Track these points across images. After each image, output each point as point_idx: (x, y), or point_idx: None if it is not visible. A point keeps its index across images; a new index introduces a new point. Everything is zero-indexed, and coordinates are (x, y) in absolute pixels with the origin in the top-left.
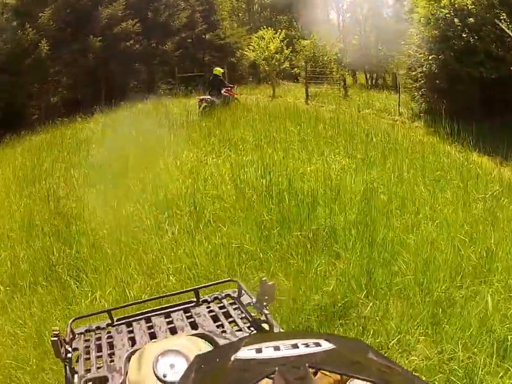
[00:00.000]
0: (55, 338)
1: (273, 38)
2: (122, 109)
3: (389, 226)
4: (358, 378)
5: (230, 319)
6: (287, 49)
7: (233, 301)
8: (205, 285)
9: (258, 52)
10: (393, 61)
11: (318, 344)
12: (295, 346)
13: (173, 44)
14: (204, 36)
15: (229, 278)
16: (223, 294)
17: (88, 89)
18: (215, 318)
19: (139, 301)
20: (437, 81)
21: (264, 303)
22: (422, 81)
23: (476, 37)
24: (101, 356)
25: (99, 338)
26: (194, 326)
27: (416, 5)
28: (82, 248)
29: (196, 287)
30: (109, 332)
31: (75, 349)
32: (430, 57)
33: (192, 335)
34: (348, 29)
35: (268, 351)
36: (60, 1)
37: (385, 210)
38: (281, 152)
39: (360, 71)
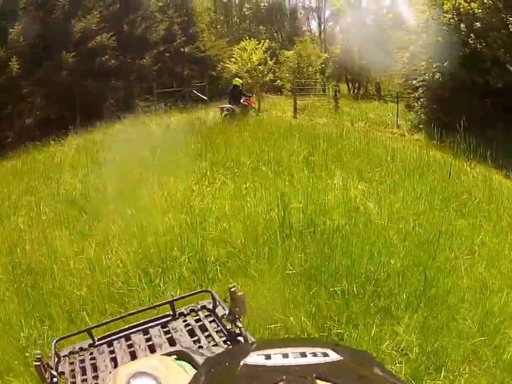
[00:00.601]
0: (38, 363)
1: (256, 49)
2: (98, 130)
3: (436, 269)
4: None
5: (206, 333)
6: (270, 60)
7: (209, 312)
8: (179, 296)
9: (240, 64)
10: (383, 70)
11: (325, 354)
12: (304, 355)
13: (150, 58)
14: (183, 49)
15: (203, 289)
16: (199, 306)
17: (62, 108)
18: (192, 333)
19: (117, 317)
20: (439, 90)
21: (236, 316)
22: (421, 91)
23: (484, 43)
24: (86, 380)
25: (83, 361)
26: (172, 342)
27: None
28: (57, 322)
29: (171, 299)
30: (91, 353)
31: (61, 373)
32: (434, 65)
33: (170, 352)
34: (329, 38)
35: (277, 357)
36: (31, 16)
37: (427, 248)
38: (286, 176)
39: (342, 81)
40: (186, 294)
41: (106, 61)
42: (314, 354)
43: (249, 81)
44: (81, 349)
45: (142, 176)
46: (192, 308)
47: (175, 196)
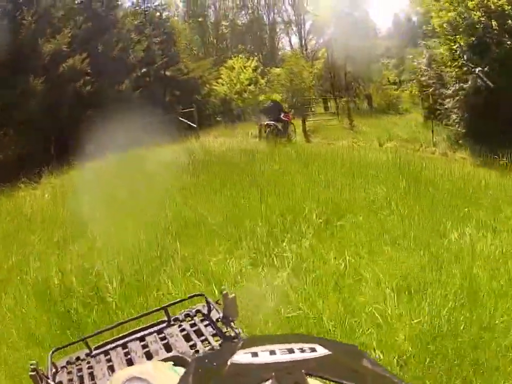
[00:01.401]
0: (34, 373)
1: (245, 67)
2: (77, 169)
3: None
4: None
5: (202, 337)
6: (262, 78)
7: (203, 317)
8: (173, 302)
9: (229, 85)
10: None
11: (313, 350)
12: (291, 351)
13: (130, 82)
14: (164, 72)
15: (196, 293)
16: (194, 311)
17: (34, 143)
18: (188, 337)
19: (112, 325)
20: (480, 99)
21: (230, 318)
22: (455, 100)
23: None
24: None
25: (80, 370)
26: (168, 348)
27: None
28: None
29: (165, 305)
30: (88, 362)
31: (59, 383)
32: (477, 70)
33: (166, 358)
34: (312, 52)
35: (264, 355)
36: None
37: None
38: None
39: (329, 96)
40: (180, 299)
41: (81, 87)
42: (302, 350)
43: (240, 104)
44: (78, 358)
45: (152, 249)
46: (187, 312)
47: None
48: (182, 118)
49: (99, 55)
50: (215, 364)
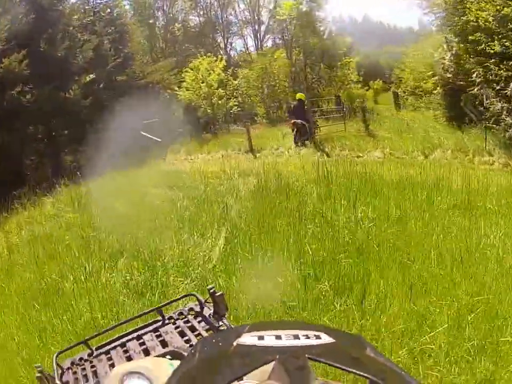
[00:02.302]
0: (40, 375)
1: (212, 68)
2: (17, 212)
3: None
4: (356, 373)
5: (196, 332)
6: (234, 79)
7: (196, 314)
8: (166, 303)
9: (194, 89)
10: None
11: (318, 337)
12: (296, 337)
13: (78, 88)
14: (115, 77)
15: (188, 293)
16: (187, 309)
17: None
18: (182, 334)
19: (111, 327)
20: None
21: (221, 313)
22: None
23: None
24: None
25: (84, 369)
26: (164, 344)
27: None
28: None
29: (158, 306)
30: (91, 362)
31: (65, 383)
32: None
33: (163, 353)
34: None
35: (270, 339)
36: None
37: None
38: None
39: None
40: (172, 300)
41: (19, 95)
42: (307, 337)
43: (208, 111)
44: (81, 359)
45: None
46: (181, 311)
47: None
48: (143, 131)
49: (41, 54)
50: (221, 344)
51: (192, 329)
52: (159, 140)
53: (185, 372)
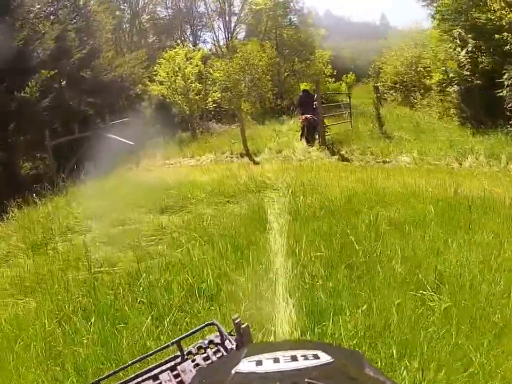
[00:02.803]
0: None
1: (190, 58)
2: None
3: None
4: None
5: None
6: (214, 72)
7: (217, 348)
8: (185, 335)
9: (169, 83)
10: None
11: (316, 357)
12: (294, 358)
13: (36, 86)
14: (80, 72)
15: (208, 322)
16: (206, 342)
17: None
18: None
19: (124, 366)
20: None
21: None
22: None
23: None
24: None
25: None
26: None
27: None
28: None
29: (177, 338)
30: None
31: None
32: None
33: None
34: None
35: (268, 363)
36: None
37: None
38: None
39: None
40: (191, 331)
41: None
42: (305, 358)
43: (185, 107)
44: None
45: None
46: (200, 344)
47: None
48: (111, 134)
49: None
50: (219, 373)
51: None
52: (131, 143)
53: None
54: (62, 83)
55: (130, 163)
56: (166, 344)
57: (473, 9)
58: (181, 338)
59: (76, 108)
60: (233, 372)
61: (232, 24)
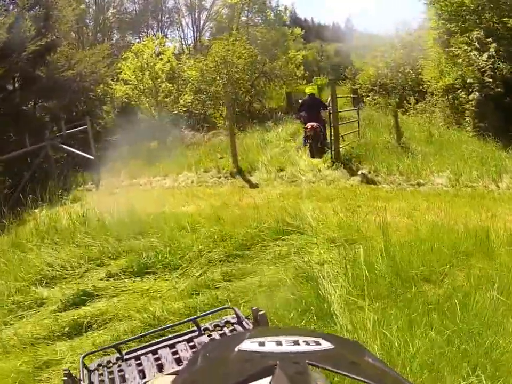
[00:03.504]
0: (66, 378)
1: (160, 54)
2: None
3: None
4: (354, 378)
5: None
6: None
7: (233, 327)
8: (203, 314)
9: (136, 82)
10: None
11: (317, 343)
12: (296, 343)
13: None
14: (34, 69)
15: (226, 306)
16: (223, 321)
17: None
18: None
19: (144, 333)
20: None
21: None
22: None
23: None
24: None
25: (111, 373)
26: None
27: None
28: None
29: (195, 317)
30: (119, 366)
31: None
32: None
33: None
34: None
35: (270, 345)
36: None
37: None
38: None
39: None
40: (210, 311)
41: None
42: (307, 343)
43: (153, 111)
44: (109, 362)
45: None
46: (217, 323)
47: None
48: (67, 145)
49: None
50: (223, 350)
51: None
52: (90, 157)
53: (187, 378)
54: (13, 82)
55: (89, 182)
56: (184, 320)
57: (492, 11)
58: (199, 317)
59: (30, 113)
60: (236, 349)
61: (202, 22)
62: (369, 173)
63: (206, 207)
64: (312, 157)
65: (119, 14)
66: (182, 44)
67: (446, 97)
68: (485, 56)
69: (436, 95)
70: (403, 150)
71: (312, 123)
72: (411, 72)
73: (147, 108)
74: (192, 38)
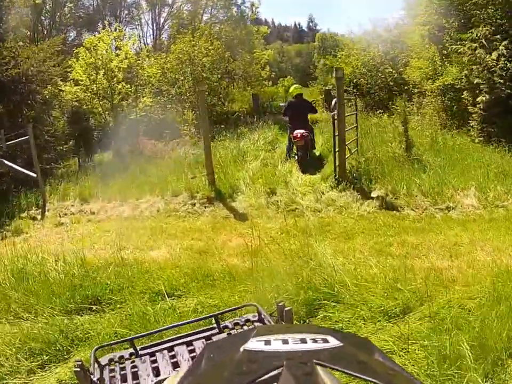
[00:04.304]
0: (78, 369)
1: (118, 49)
2: None
3: None
4: (363, 379)
5: None
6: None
7: (253, 325)
8: (224, 310)
9: (89, 82)
10: None
11: (325, 341)
12: (303, 341)
13: None
14: None
15: (248, 303)
16: (243, 319)
17: None
18: None
19: (160, 328)
20: None
21: None
22: None
23: None
24: None
25: (123, 368)
26: None
27: None
28: None
29: (216, 313)
30: (133, 362)
31: (100, 379)
32: None
33: None
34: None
35: (277, 343)
36: None
37: None
38: None
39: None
40: (232, 308)
41: None
42: (315, 341)
43: (108, 117)
44: (122, 357)
45: None
46: (237, 321)
47: None
48: (8, 158)
49: None
50: (228, 350)
51: None
52: (33, 175)
53: (192, 379)
54: None
55: (33, 207)
56: (204, 316)
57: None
58: (220, 313)
59: None
60: (241, 349)
61: (162, 20)
62: (387, 195)
63: (183, 254)
64: (303, 172)
65: (76, 9)
66: (141, 42)
67: (441, 98)
68: (494, 54)
69: (428, 96)
70: (415, 162)
71: (301, 131)
72: (392, 71)
73: (100, 113)
74: (152, 36)
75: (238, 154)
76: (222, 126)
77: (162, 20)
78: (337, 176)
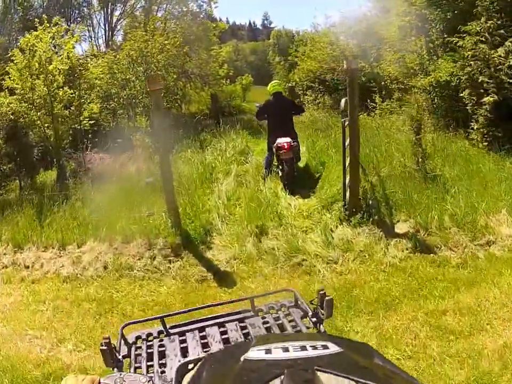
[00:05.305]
0: (105, 347)
1: (59, 47)
2: None
3: None
4: (364, 383)
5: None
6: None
7: (288, 311)
8: (260, 294)
9: (25, 91)
10: None
11: (325, 347)
12: (304, 348)
13: None
14: None
15: (286, 288)
16: (279, 304)
17: None
18: (269, 331)
19: (192, 308)
20: None
21: (322, 317)
22: None
23: None
24: (152, 365)
25: (150, 347)
26: (248, 338)
27: None
28: None
29: (252, 296)
30: (161, 340)
31: (125, 356)
32: None
33: None
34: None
35: (277, 352)
36: None
37: None
38: None
39: None
40: (269, 292)
41: None
42: (315, 347)
43: (47, 130)
44: (149, 334)
45: None
46: (272, 305)
47: None
48: None
49: None
50: (228, 360)
51: (281, 327)
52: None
53: None
54: None
55: None
56: (240, 298)
57: None
58: (257, 296)
59: None
60: (242, 358)
61: (115, 19)
62: (417, 231)
63: None
64: (292, 192)
65: (26, 8)
66: (94, 44)
67: (431, 96)
68: (500, 51)
69: (415, 93)
70: (431, 181)
71: (286, 139)
72: (365, 65)
73: (39, 127)
74: (104, 37)
75: (204, 170)
76: (181, 131)
77: (115, 19)
78: (347, 205)
